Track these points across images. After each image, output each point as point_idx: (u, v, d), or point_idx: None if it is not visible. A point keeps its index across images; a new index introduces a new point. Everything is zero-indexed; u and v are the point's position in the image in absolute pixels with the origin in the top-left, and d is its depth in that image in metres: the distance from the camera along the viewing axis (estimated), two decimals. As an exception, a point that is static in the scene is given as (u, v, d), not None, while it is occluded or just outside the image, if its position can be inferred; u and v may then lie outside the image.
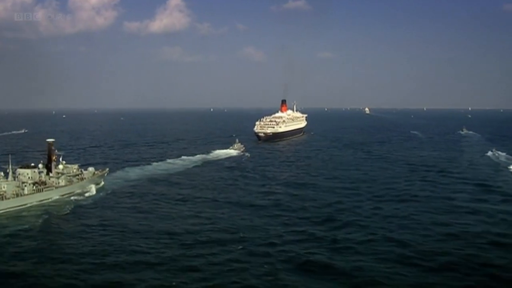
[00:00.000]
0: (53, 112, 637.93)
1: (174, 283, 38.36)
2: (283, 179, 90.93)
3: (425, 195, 73.64)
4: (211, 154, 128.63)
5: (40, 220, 57.85)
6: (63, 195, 70.73)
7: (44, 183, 69.86)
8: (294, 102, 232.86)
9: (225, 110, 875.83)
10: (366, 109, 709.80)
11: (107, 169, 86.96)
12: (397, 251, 46.31)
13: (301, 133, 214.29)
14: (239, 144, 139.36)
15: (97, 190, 74.81)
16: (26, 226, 54.88)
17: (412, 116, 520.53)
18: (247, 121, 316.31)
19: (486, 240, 50.15)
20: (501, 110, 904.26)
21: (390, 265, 42.71)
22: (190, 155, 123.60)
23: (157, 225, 55.99)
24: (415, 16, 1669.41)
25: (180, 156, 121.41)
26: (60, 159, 76.91)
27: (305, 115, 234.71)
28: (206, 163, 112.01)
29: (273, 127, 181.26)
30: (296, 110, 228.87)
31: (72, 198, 70.27)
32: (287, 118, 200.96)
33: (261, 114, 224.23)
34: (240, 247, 47.00)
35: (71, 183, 73.97)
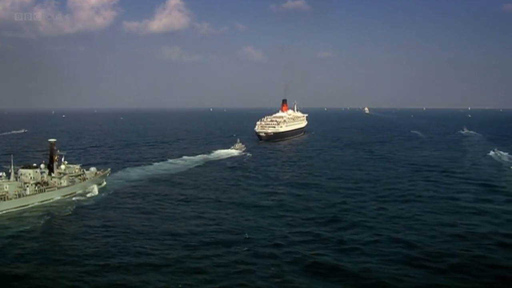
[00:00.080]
0: (53, 112, 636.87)
1: (180, 286, 37.87)
2: (286, 179, 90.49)
3: (429, 195, 73.19)
4: (212, 154, 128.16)
5: (43, 221, 57.31)
6: (65, 196, 70.21)
7: (46, 183, 69.33)
8: (295, 101, 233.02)
9: (225, 110, 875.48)
10: (366, 109, 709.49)
11: (109, 169, 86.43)
12: (404, 252, 45.84)
13: (302, 133, 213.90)
14: (240, 144, 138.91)
15: (99, 191, 74.28)
16: (28, 227, 54.31)
17: (412, 116, 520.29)
18: (247, 121, 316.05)
19: (493, 241, 49.70)
20: (501, 110, 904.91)
21: (398, 266, 42.27)
22: (191, 155, 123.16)
23: (160, 226, 55.49)
24: (415, 16, 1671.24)
25: (181, 156, 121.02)
26: (62, 159, 76.35)
27: (306, 115, 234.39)
28: (208, 163, 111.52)
29: (274, 127, 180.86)
30: (297, 110, 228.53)
31: (74, 198, 69.76)
32: (288, 118, 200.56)
33: (261, 114, 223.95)
34: (246, 248, 46.48)
35: (73, 183, 73.46)
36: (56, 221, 58.40)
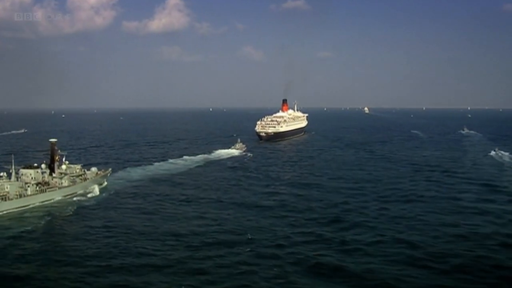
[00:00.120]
0: (52, 111, 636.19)
1: (182, 287, 37.63)
2: (287, 179, 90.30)
3: (431, 196, 73.01)
4: (213, 154, 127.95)
5: (44, 222, 57.06)
6: (66, 196, 69.95)
7: (47, 183, 69.07)
8: (295, 101, 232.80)
9: (224, 110, 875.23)
10: (366, 108, 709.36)
11: (110, 169, 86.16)
12: (407, 253, 45.63)
13: (302, 133, 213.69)
14: (241, 144, 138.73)
15: (100, 191, 74.00)
16: (29, 228, 54.05)
17: (411, 116, 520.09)
18: (247, 121, 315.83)
19: (496, 241, 49.50)
20: (500, 110, 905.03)
21: (401, 267, 42.06)
22: (192, 155, 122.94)
23: (162, 226, 55.28)
24: (415, 16, 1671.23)
25: (182, 156, 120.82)
26: (63, 159, 76.09)
27: (306, 115, 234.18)
28: (209, 163, 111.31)
29: (275, 127, 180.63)
30: (297, 110, 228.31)
31: (75, 198, 69.49)
32: (288, 118, 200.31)
33: (261, 114, 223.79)
34: (248, 249, 46.24)
35: (74, 183, 73.22)
36: (57, 221, 58.17)
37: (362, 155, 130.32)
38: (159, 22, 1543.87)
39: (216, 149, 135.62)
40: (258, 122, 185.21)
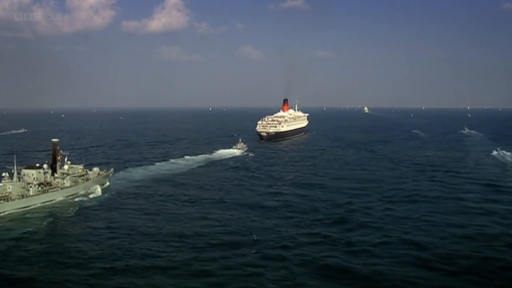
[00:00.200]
0: (52, 111, 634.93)
1: (188, 289, 37.16)
2: (290, 179, 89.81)
3: (435, 196, 72.61)
4: (214, 154, 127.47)
5: (46, 222, 56.56)
6: (68, 196, 69.46)
7: (49, 184, 68.49)
8: (296, 101, 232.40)
9: (224, 110, 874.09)
10: (365, 108, 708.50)
11: (112, 169, 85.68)
12: (414, 254, 45.19)
13: (303, 133, 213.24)
14: (242, 143, 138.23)
15: (102, 191, 73.45)
16: (32, 229, 53.56)
17: (411, 116, 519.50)
18: (247, 121, 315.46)
19: (503, 242, 49.19)
20: (500, 109, 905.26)
21: (409, 268, 41.61)
22: (193, 155, 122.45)
23: (165, 227, 54.75)
24: (414, 16, 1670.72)
25: (183, 156, 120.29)
26: (65, 159, 75.54)
27: (307, 115, 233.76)
28: (210, 163, 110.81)
29: (276, 127, 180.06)
30: (298, 110, 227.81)
31: (77, 199, 69.05)
32: (289, 118, 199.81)
33: (261, 113, 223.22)
34: (254, 250, 45.77)
35: (76, 183, 72.70)
36: (60, 222, 57.66)
37: (364, 155, 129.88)
38: (158, 22, 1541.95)
39: (217, 149, 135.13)
40: (259, 122, 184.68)
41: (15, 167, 65.51)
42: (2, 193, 61.23)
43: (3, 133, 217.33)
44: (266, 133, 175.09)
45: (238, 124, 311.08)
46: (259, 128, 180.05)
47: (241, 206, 65.80)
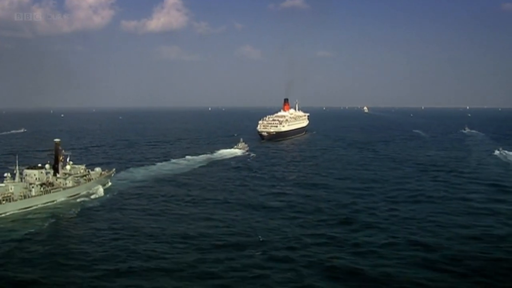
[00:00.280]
0: (51, 111, 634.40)
1: (195, 291, 36.60)
2: (293, 179, 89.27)
3: (439, 196, 72.08)
4: (215, 153, 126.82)
5: (48, 223, 55.90)
6: (70, 197, 68.83)
7: (51, 184, 67.86)
8: (297, 101, 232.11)
9: (223, 109, 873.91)
10: (365, 108, 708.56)
11: (114, 169, 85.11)
12: (421, 255, 44.58)
13: (304, 132, 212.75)
14: (243, 143, 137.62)
15: (105, 191, 72.72)
16: (34, 230, 52.91)
17: (411, 115, 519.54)
18: (247, 120, 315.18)
19: (511, 243, 48.59)
20: (499, 109, 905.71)
21: (417, 270, 41.03)
22: (194, 155, 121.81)
23: (169, 228, 54.14)
24: (414, 16, 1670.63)
25: (184, 156, 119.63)
26: (67, 159, 74.89)
27: (307, 114, 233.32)
28: (212, 163, 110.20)
29: (276, 126, 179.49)
30: (298, 109, 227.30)
31: (79, 199, 68.38)
32: (290, 117, 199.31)
33: (261, 113, 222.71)
34: (260, 252, 45.16)
35: (79, 184, 72.06)
36: (62, 223, 57.02)
37: (365, 155, 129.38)
38: (157, 22, 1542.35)
39: (219, 149, 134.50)
40: (260, 122, 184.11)
41: (17, 167, 64.83)
42: (4, 194, 60.53)
43: (3, 133, 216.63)
44: (267, 132, 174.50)
45: (238, 124, 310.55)
46: (260, 127, 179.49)
47: (245, 207, 65.21)
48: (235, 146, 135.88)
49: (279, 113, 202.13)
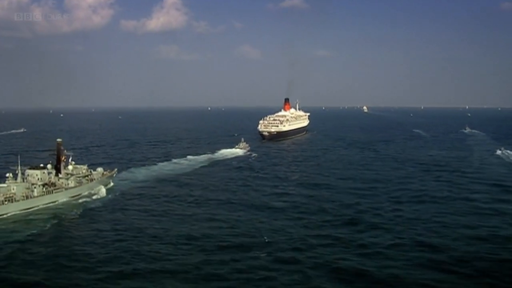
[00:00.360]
0: (51, 111, 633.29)
1: (201, 294, 36.18)
2: (295, 179, 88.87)
3: (443, 196, 71.76)
4: (217, 153, 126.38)
5: (51, 224, 55.44)
6: (72, 197, 68.35)
7: (53, 184, 67.32)
8: (297, 100, 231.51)
9: (223, 109, 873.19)
10: (364, 107, 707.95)
11: (116, 169, 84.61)
12: (429, 256, 44.22)
13: (304, 132, 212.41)
14: (244, 143, 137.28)
15: (107, 192, 72.26)
16: (36, 231, 52.46)
17: (411, 115, 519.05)
18: (247, 120, 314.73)
19: (518, 244, 48.26)
20: (499, 109, 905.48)
21: (424, 271, 40.69)
22: (195, 155, 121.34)
23: (173, 228, 53.72)
24: (414, 16, 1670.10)
25: (186, 156, 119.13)
26: (69, 159, 74.38)
27: (308, 114, 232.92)
28: (213, 163, 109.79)
29: (277, 126, 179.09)
30: (299, 109, 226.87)
31: (82, 200, 67.91)
32: (291, 117, 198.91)
33: (261, 113, 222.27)
34: (265, 253, 44.75)
35: (81, 184, 71.58)
36: (65, 224, 56.60)
37: (367, 155, 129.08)
38: (157, 21, 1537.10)
39: (220, 149, 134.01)
40: (261, 122, 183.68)
41: (19, 167, 64.31)
42: (7, 194, 60.03)
43: (3, 133, 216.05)
44: (268, 132, 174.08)
45: (239, 124, 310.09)
46: (260, 127, 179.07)
47: (248, 207, 64.81)
48: (236, 146, 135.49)
49: (279, 113, 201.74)
